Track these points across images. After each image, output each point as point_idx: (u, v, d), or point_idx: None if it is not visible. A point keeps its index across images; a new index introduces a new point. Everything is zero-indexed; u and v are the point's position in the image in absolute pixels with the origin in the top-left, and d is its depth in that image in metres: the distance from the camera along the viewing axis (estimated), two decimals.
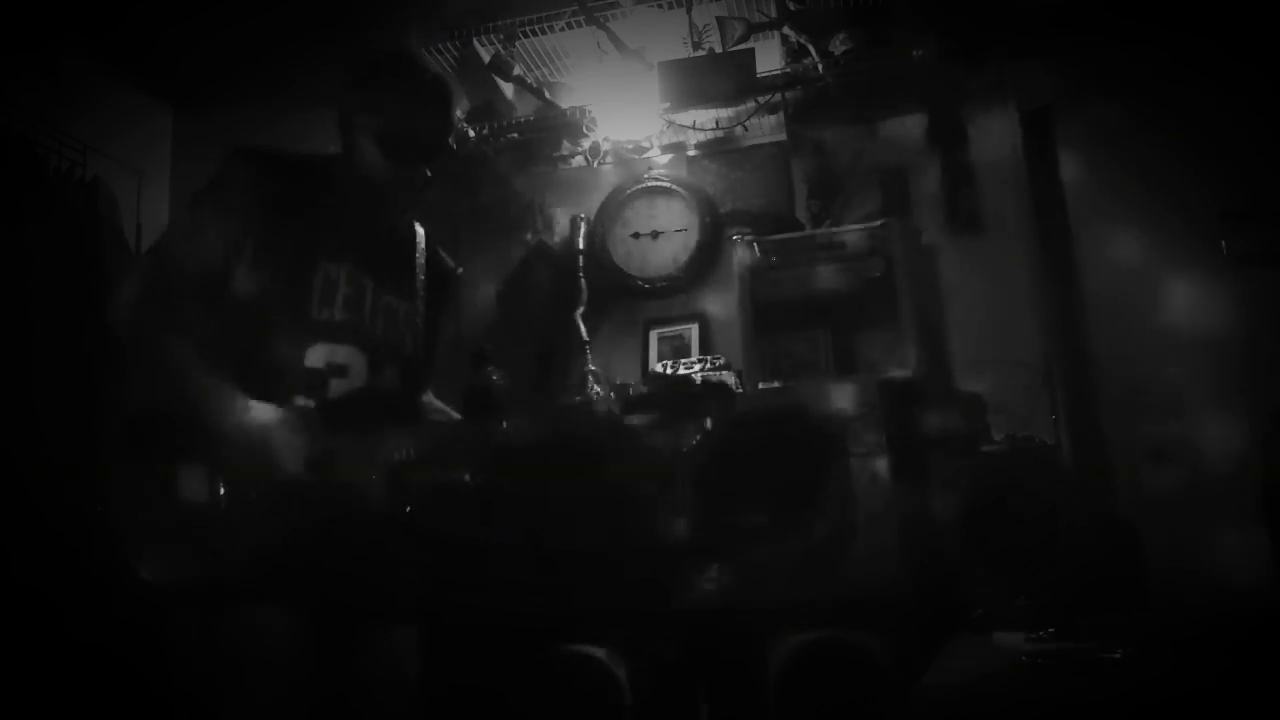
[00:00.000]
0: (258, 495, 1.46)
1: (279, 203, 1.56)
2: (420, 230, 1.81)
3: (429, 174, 1.64)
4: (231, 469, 1.46)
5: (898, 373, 2.60)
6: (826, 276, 2.83)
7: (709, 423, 1.55)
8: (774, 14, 3.01)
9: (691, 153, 3.31)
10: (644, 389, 2.49)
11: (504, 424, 1.71)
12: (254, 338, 1.55)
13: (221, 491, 1.46)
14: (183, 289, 1.52)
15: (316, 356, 1.58)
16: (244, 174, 1.57)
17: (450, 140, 1.67)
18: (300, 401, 1.54)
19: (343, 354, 1.60)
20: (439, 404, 1.86)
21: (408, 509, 1.67)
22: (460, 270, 1.89)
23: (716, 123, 3.21)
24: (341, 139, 1.65)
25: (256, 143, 1.62)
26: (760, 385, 2.70)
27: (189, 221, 1.61)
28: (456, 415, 1.85)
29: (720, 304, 3.16)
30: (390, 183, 1.63)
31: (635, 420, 1.63)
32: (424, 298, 1.75)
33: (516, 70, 3.13)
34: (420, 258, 1.77)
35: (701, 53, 3.06)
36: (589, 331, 3.13)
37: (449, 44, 3.14)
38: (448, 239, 1.91)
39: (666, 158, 3.32)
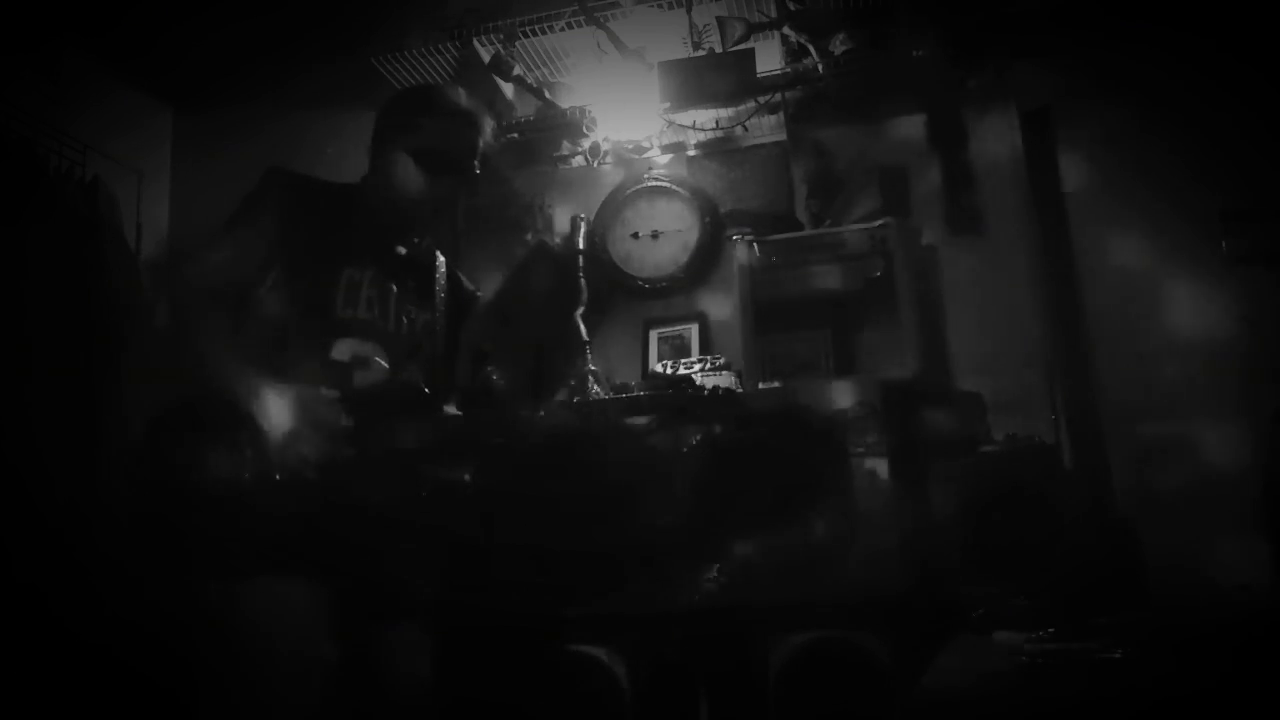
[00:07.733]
0: (282, 476, 1.53)
1: (307, 217, 1.71)
2: (440, 257, 1.92)
3: (458, 193, 1.81)
4: (259, 450, 1.53)
5: (898, 373, 2.60)
6: (826, 276, 2.82)
7: (712, 426, 1.55)
8: (774, 14, 3.01)
9: (691, 153, 3.30)
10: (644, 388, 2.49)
11: (504, 423, 1.71)
12: (284, 334, 1.67)
13: (248, 472, 1.53)
14: (219, 294, 1.65)
15: (342, 350, 1.70)
16: (277, 191, 1.72)
17: (476, 164, 1.83)
18: (326, 391, 1.62)
19: (367, 349, 1.72)
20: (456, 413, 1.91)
21: (419, 500, 1.70)
22: (479, 293, 1.97)
23: (716, 123, 3.21)
24: (372, 161, 1.81)
25: (289, 168, 1.77)
26: (760, 385, 2.70)
27: (226, 235, 1.73)
28: None
29: (720, 304, 3.16)
30: (420, 199, 1.77)
31: (635, 420, 1.63)
32: (444, 314, 1.87)
33: (516, 70, 3.13)
34: (441, 280, 1.89)
35: (701, 53, 3.06)
36: (589, 331, 3.12)
37: (449, 44, 3.14)
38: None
39: (666, 158, 3.32)
